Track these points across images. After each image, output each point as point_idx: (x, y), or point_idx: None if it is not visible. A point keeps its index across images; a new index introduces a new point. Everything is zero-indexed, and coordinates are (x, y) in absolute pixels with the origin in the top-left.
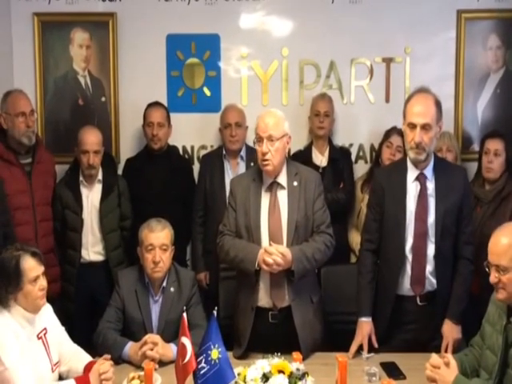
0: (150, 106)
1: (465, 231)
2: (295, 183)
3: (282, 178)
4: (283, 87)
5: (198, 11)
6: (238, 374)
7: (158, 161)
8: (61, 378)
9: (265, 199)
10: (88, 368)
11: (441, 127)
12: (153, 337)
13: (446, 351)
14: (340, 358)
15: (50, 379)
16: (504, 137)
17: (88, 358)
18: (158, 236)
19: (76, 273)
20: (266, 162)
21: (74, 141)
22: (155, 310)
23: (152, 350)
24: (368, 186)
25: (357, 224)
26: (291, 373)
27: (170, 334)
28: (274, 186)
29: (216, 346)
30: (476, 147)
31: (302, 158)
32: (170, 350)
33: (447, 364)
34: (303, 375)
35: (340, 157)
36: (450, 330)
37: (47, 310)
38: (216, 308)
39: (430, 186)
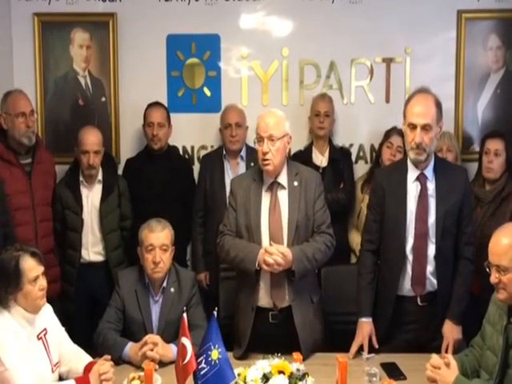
0: (150, 106)
1: (465, 231)
2: (296, 183)
3: (283, 178)
4: (283, 87)
5: (199, 11)
6: (239, 375)
7: (158, 161)
8: (61, 378)
9: (265, 199)
10: (88, 368)
11: (441, 127)
12: (153, 337)
13: (446, 352)
14: (340, 358)
15: (50, 380)
16: (504, 137)
17: (88, 358)
18: (158, 236)
19: (76, 273)
20: (267, 162)
21: (74, 141)
22: (155, 311)
23: (152, 350)
24: (368, 186)
25: (357, 224)
26: (291, 373)
27: (170, 334)
28: (274, 185)
29: (216, 346)
30: (476, 147)
31: (302, 158)
32: (170, 350)
33: (447, 364)
34: (303, 376)
35: (340, 157)
36: (451, 331)
37: (47, 311)
38: (216, 308)
39: (431, 186)
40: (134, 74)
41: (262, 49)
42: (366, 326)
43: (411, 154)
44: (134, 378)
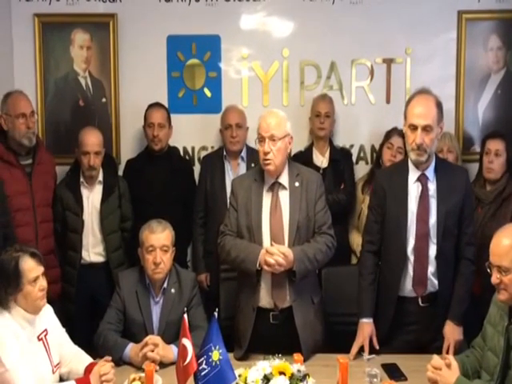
0: (151, 106)
1: (466, 232)
2: (297, 184)
3: (284, 179)
4: (284, 88)
5: (199, 12)
6: (239, 376)
7: (158, 162)
8: (61, 379)
9: (266, 199)
10: (89, 369)
11: (442, 128)
12: (153, 338)
13: (447, 352)
14: (341, 359)
15: (51, 381)
16: (505, 137)
17: (89, 359)
18: (159, 237)
19: (76, 274)
20: (268, 162)
21: (74, 142)
22: (156, 312)
23: (153, 351)
24: (369, 186)
25: (357, 225)
26: (292, 374)
27: (171, 335)
28: (275, 186)
29: (217, 347)
30: (477, 148)
31: (303, 158)
32: (171, 351)
33: (448, 365)
34: (304, 377)
35: (341, 158)
36: (452, 331)
37: (48, 312)
38: (217, 309)
39: (432, 186)
40: (134, 74)
41: (263, 49)
42: (366, 327)
43: (412, 155)
44: (134, 379)
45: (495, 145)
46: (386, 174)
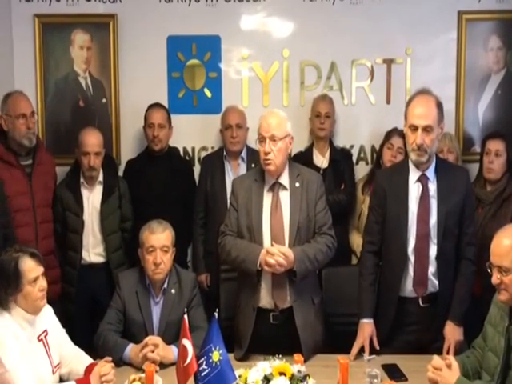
0: (151, 107)
1: (467, 232)
2: (297, 184)
3: (284, 179)
4: (284, 88)
5: (199, 12)
6: (239, 376)
7: (158, 162)
8: (61, 380)
9: (267, 200)
10: (89, 370)
11: (442, 128)
12: (154, 339)
13: (447, 353)
14: (341, 359)
15: (51, 381)
16: (505, 137)
17: (89, 359)
18: (159, 237)
19: (77, 274)
20: (268, 162)
21: (74, 142)
22: (156, 312)
23: (153, 351)
24: (369, 187)
25: (358, 225)
26: (292, 375)
27: (171, 335)
28: (276, 186)
29: (217, 347)
30: (477, 148)
31: (303, 159)
32: (171, 351)
33: (449, 366)
34: (304, 377)
35: (341, 158)
36: (452, 332)
37: (48, 312)
38: (217, 310)
39: (432, 187)
40: (134, 75)
41: (263, 50)
42: (367, 327)
43: (412, 156)
44: (134, 380)
45: (495, 145)
46: (387, 175)
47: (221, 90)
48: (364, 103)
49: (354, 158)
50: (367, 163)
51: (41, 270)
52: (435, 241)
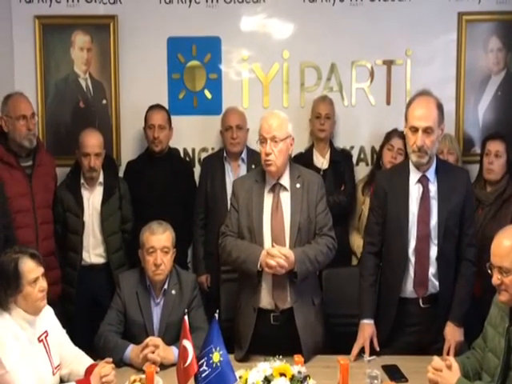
0: (151, 108)
1: (467, 233)
2: (298, 185)
3: (285, 180)
4: (284, 90)
5: (199, 14)
6: (240, 377)
7: (158, 163)
8: (62, 381)
9: (267, 200)
10: (89, 371)
11: (443, 130)
12: (154, 339)
13: (448, 354)
14: (342, 360)
15: (51, 382)
16: (505, 138)
17: (89, 360)
18: (160, 238)
19: (77, 275)
20: (269, 163)
21: (74, 143)
22: (156, 313)
23: (153, 352)
24: (369, 188)
25: (358, 226)
26: (293, 376)
27: (172, 336)
28: (276, 187)
29: (217, 348)
30: (477, 149)
31: (303, 160)
32: (172, 352)
33: (449, 367)
34: (305, 378)
35: (341, 159)
36: (452, 333)
37: (48, 313)
38: (217, 311)
39: (433, 188)
40: (134, 76)
41: (263, 51)
42: (367, 328)
43: (413, 157)
44: (135, 381)
45: (495, 146)
46: (387, 176)
47: (221, 92)
48: (364, 104)
49: (354, 159)
50: (367, 164)
51: (41, 270)
52: (436, 242)
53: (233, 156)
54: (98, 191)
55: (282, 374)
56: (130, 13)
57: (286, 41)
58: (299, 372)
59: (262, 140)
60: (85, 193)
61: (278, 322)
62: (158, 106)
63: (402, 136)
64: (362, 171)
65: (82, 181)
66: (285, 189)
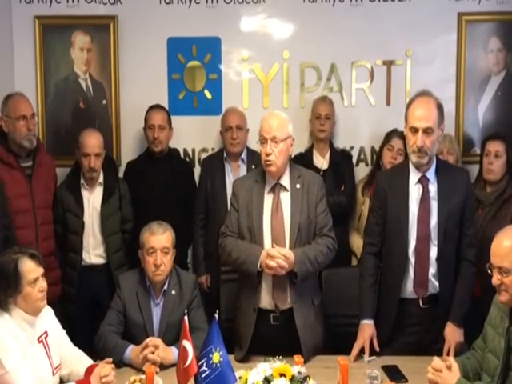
0: (151, 108)
1: (467, 233)
2: (298, 186)
3: (285, 180)
4: (284, 90)
5: (199, 14)
6: (240, 378)
7: (159, 163)
8: (62, 381)
9: (268, 201)
10: (89, 371)
11: (443, 130)
12: (154, 340)
13: (448, 354)
14: (341, 361)
15: (51, 383)
16: (505, 139)
17: (89, 361)
18: (160, 239)
19: (77, 276)
20: (270, 163)
21: (74, 144)
22: (156, 313)
23: (153, 353)
24: (369, 188)
25: (358, 227)
26: (293, 376)
27: (171, 337)
28: (276, 187)
29: (217, 349)
30: (477, 150)
31: (303, 160)
32: (171, 353)
33: (449, 367)
34: (305, 378)
35: (341, 159)
36: (452, 333)
37: (48, 314)
38: (217, 311)
39: (433, 188)
40: (134, 76)
41: (263, 51)
42: (367, 329)
43: (413, 158)
44: (135, 381)
45: (495, 146)
46: (387, 176)
47: (221, 92)
48: (364, 105)
49: (354, 160)
50: (367, 164)
51: (40, 270)
52: (436, 242)
53: (233, 156)
54: (98, 191)
55: (282, 375)
56: (130, 13)
57: (286, 41)
58: (299, 372)
59: (263, 140)
60: (85, 193)
61: (278, 322)
62: (157, 107)
63: (401, 136)
64: (361, 171)
65: (82, 181)
66: (285, 189)
